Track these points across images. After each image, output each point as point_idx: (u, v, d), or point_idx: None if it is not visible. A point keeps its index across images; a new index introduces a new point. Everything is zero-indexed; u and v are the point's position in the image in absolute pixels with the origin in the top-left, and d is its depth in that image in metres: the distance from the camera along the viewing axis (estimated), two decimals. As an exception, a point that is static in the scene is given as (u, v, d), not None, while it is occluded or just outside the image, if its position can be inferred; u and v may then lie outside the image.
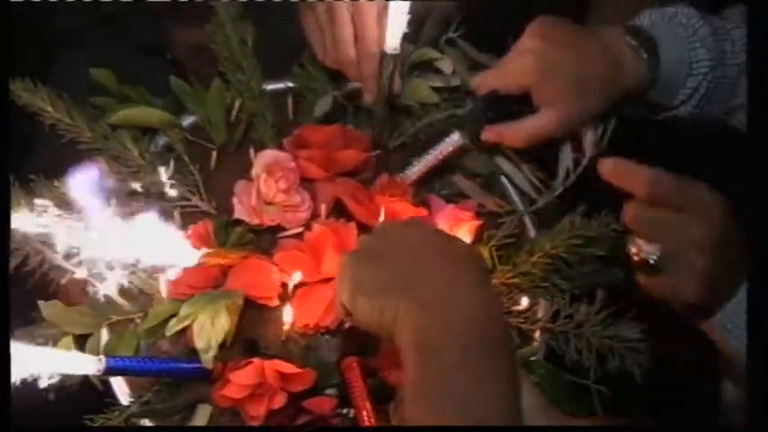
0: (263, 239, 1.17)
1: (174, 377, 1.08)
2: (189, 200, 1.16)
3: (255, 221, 1.15)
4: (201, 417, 1.09)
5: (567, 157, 1.19)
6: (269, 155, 1.16)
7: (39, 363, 0.96)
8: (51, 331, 1.11)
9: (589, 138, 1.16)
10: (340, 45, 1.16)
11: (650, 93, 1.17)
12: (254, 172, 1.16)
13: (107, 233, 0.98)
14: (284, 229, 1.17)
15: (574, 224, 1.14)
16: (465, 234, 1.15)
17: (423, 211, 1.17)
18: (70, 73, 1.17)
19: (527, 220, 1.23)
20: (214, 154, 1.19)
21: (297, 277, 1.10)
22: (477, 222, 1.16)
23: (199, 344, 1.06)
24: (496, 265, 1.17)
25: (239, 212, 1.15)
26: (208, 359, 1.05)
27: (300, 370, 1.07)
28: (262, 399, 1.06)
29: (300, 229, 1.16)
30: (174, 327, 1.07)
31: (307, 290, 1.12)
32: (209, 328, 1.07)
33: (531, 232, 1.22)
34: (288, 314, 1.07)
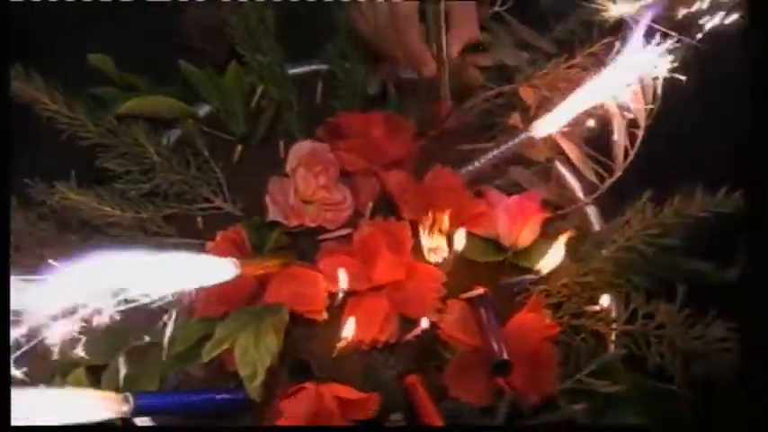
0: (302, 244, 1.02)
1: (214, 410, 0.91)
2: (212, 201, 0.98)
3: (294, 223, 1.00)
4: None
5: (620, 131, 1.04)
6: (305, 146, 1.00)
7: (46, 407, 0.77)
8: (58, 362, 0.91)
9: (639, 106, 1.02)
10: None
11: None
12: (288, 167, 1.00)
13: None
14: (324, 231, 1.02)
15: (644, 212, 1.01)
16: (532, 228, 1.00)
17: (481, 205, 1.02)
18: (64, 60, 0.98)
19: (590, 211, 1.09)
20: (238, 148, 1.02)
21: (344, 283, 0.94)
22: (544, 214, 1.02)
23: (243, 371, 0.90)
24: (566, 261, 1.02)
25: (274, 213, 0.99)
26: (255, 388, 0.89)
27: (363, 395, 0.91)
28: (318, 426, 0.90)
29: (345, 231, 1.01)
30: (210, 352, 0.91)
31: (358, 300, 0.97)
32: (254, 352, 0.91)
33: (596, 225, 1.08)
34: (349, 328, 0.91)
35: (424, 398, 0.94)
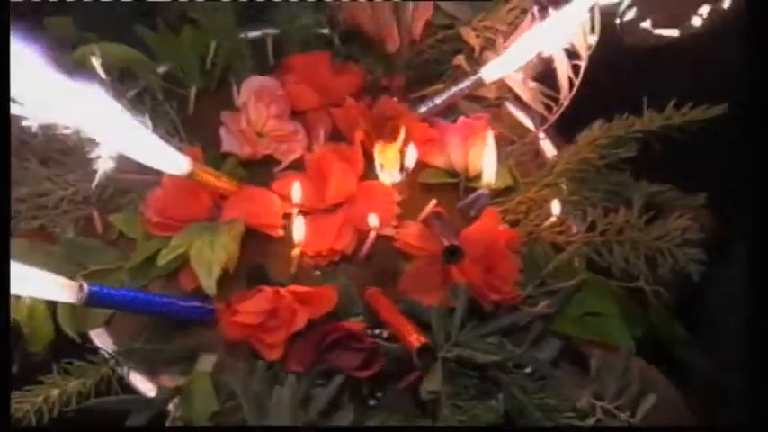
0: (258, 176, 1.03)
1: (171, 314, 0.91)
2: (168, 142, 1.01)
3: (247, 151, 1.02)
4: (204, 364, 0.91)
5: (563, 65, 1.07)
6: (256, 80, 1.04)
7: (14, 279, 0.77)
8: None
9: (581, 38, 1.05)
10: None
11: None
12: (240, 100, 1.03)
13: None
14: (279, 164, 1.03)
15: (594, 132, 1.04)
16: (482, 145, 1.01)
17: (432, 131, 1.05)
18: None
19: (542, 144, 1.11)
20: (192, 92, 1.05)
21: (297, 196, 0.96)
22: (492, 131, 1.02)
23: (198, 268, 0.89)
24: (519, 181, 1.06)
25: (228, 144, 1.02)
26: (210, 285, 0.89)
27: (320, 288, 0.91)
28: (279, 325, 0.89)
29: (298, 154, 1.03)
30: (166, 255, 0.91)
31: (314, 218, 0.97)
32: (209, 252, 0.91)
33: (548, 154, 1.09)
34: (298, 231, 0.92)
35: (384, 303, 0.93)
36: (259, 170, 1.02)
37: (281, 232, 0.97)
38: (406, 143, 1.00)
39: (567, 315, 0.95)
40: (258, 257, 0.96)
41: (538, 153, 1.10)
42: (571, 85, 1.07)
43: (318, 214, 0.99)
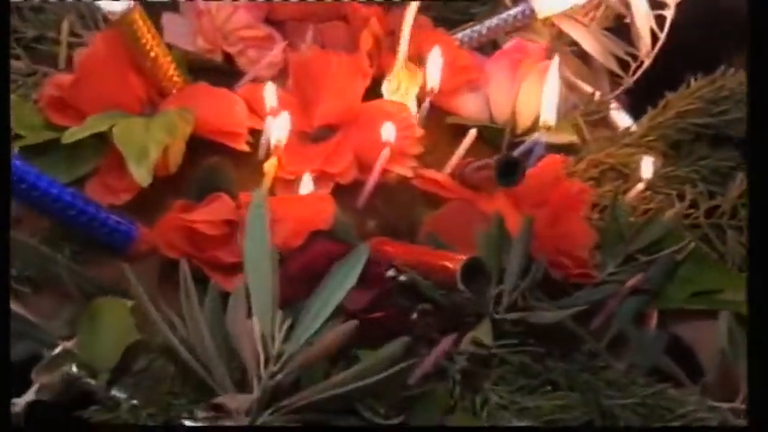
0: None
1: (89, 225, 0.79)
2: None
3: (201, 46, 0.91)
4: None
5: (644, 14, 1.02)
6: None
7: None
8: None
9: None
10: None
11: None
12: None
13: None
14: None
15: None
16: (538, 76, 0.92)
17: (468, 57, 0.96)
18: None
19: (614, 115, 1.03)
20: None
21: (272, 99, 0.84)
22: (548, 61, 0.93)
23: (125, 149, 0.77)
24: (587, 138, 0.98)
25: (172, 32, 0.91)
26: (142, 175, 0.76)
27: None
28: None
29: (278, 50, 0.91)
30: (74, 135, 0.79)
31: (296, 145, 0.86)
32: (142, 133, 0.79)
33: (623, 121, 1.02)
34: (276, 132, 0.82)
35: (400, 248, 0.82)
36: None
37: (245, 147, 0.85)
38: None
39: (668, 295, 0.88)
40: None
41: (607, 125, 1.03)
42: (654, 39, 1.01)
43: (302, 141, 0.87)
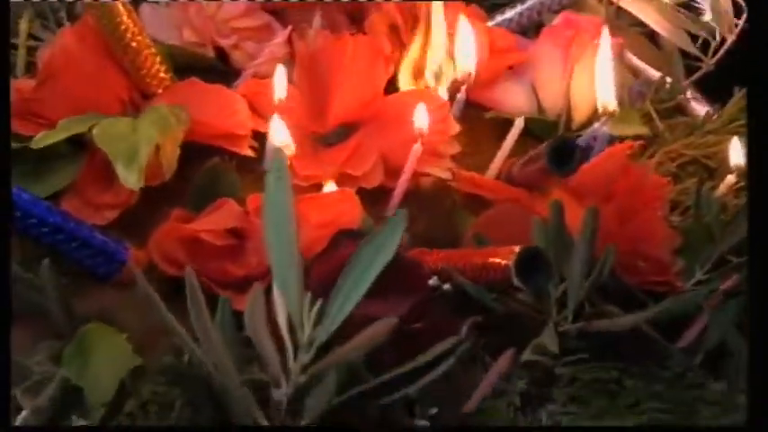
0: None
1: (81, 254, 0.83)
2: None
3: (189, 39, 0.96)
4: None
5: None
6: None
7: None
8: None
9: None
10: None
11: None
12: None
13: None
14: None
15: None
16: (592, 54, 0.96)
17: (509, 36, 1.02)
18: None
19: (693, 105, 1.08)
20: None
21: (282, 90, 0.89)
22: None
23: (110, 150, 0.81)
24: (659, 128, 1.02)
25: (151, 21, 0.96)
26: (132, 178, 0.80)
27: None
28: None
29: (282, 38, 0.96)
30: (44, 139, 0.83)
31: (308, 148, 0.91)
32: (129, 132, 0.83)
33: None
34: (279, 134, 0.87)
35: (443, 253, 0.87)
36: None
37: (249, 151, 0.89)
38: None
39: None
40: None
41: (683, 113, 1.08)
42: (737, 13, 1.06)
43: (314, 144, 0.92)
